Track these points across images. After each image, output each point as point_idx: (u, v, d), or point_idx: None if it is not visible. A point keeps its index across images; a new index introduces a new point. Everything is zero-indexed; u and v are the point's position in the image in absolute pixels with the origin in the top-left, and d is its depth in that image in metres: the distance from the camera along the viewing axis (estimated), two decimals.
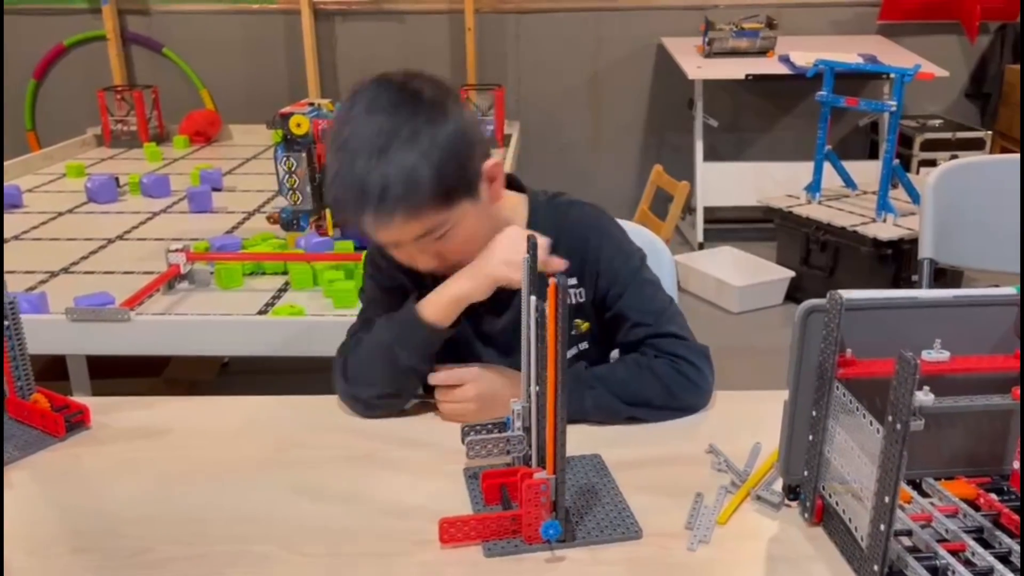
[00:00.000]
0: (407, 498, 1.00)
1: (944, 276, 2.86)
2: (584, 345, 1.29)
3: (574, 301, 1.26)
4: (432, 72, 1.17)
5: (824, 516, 0.92)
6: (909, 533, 0.86)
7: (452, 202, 1.09)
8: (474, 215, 1.13)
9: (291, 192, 1.95)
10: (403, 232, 1.10)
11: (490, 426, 1.03)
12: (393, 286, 1.25)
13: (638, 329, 1.22)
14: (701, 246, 4.00)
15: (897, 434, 0.75)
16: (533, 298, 0.88)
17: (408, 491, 1.01)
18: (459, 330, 1.20)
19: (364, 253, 1.36)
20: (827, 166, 3.55)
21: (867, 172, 3.67)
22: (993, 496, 0.92)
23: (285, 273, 1.87)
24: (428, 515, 0.93)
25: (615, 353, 1.32)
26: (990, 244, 1.80)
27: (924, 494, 0.94)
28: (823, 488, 0.91)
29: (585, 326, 1.28)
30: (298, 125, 1.90)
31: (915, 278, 2.86)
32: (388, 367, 1.16)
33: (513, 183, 1.27)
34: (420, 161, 1.05)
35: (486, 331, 1.26)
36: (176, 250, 1.81)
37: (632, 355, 1.21)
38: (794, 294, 3.49)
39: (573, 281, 1.26)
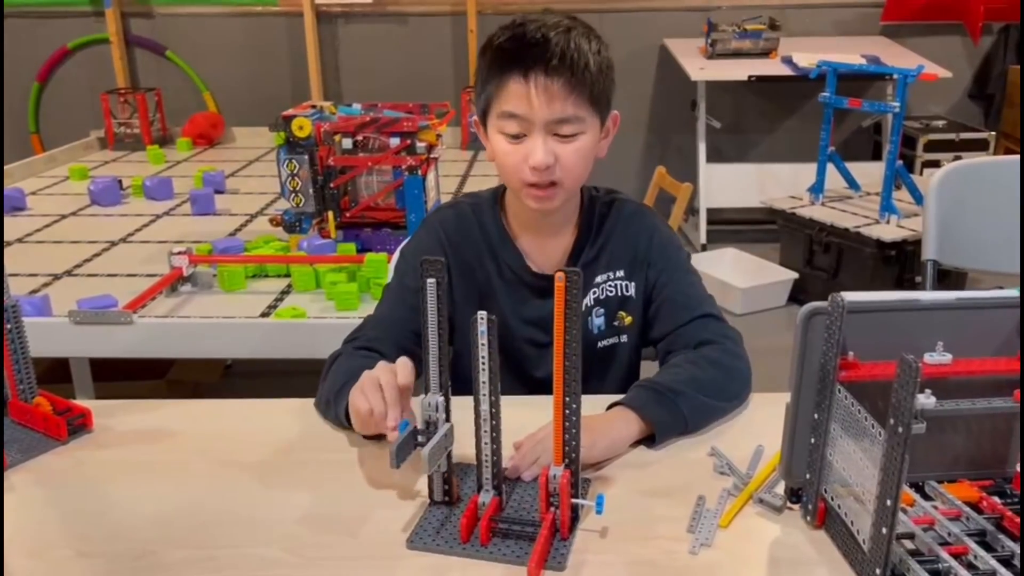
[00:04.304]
0: (409, 500, 1.00)
1: (948, 277, 2.86)
2: (624, 338, 1.34)
3: (621, 294, 1.33)
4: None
5: (826, 519, 0.92)
6: (911, 536, 0.86)
7: (598, 105, 1.20)
8: (591, 141, 1.22)
9: (294, 194, 1.96)
10: (551, 100, 1.15)
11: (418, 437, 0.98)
12: (417, 288, 1.25)
13: (682, 312, 1.28)
14: (704, 248, 4.00)
15: (899, 437, 0.75)
16: (484, 314, 0.88)
17: (413, 493, 1.01)
18: (505, 314, 1.28)
19: (397, 252, 1.41)
20: (830, 167, 3.54)
21: (870, 173, 3.66)
22: (996, 499, 0.91)
23: (288, 275, 1.87)
24: None
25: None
26: (994, 245, 1.80)
27: (926, 497, 0.94)
28: (825, 491, 0.91)
29: (628, 320, 1.33)
30: (300, 127, 1.90)
31: (919, 280, 2.85)
32: (327, 410, 1.17)
33: None
34: (596, 51, 1.18)
35: (530, 316, 1.31)
36: (179, 252, 1.81)
37: (682, 356, 1.23)
38: (797, 296, 3.49)
39: (620, 274, 1.32)
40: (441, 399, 0.95)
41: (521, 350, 1.33)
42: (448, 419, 0.96)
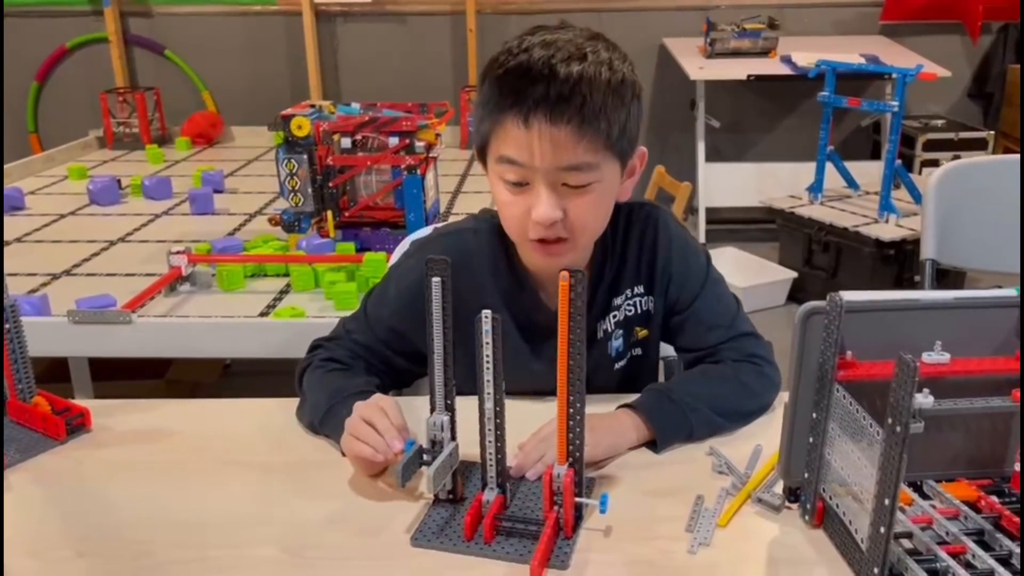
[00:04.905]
0: (410, 500, 1.00)
1: (946, 277, 2.86)
2: (638, 351, 1.26)
3: (639, 311, 1.23)
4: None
5: (825, 518, 0.92)
6: (909, 535, 0.86)
7: (616, 147, 1.05)
8: (607, 189, 1.08)
9: (292, 194, 1.96)
10: (556, 149, 1.00)
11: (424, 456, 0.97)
12: (390, 327, 1.21)
13: (715, 332, 1.20)
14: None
15: (897, 436, 0.75)
16: (489, 313, 0.88)
17: (416, 492, 1.01)
18: (515, 354, 1.17)
19: (390, 260, 1.36)
20: (829, 166, 3.54)
21: (869, 172, 3.66)
22: (994, 498, 0.91)
23: (286, 275, 1.87)
24: None
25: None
26: (992, 245, 1.80)
27: (925, 496, 0.94)
28: (823, 490, 0.91)
29: (643, 333, 1.25)
30: (299, 127, 1.90)
31: (917, 279, 2.85)
32: (312, 429, 1.15)
33: None
34: (620, 81, 1.04)
35: (549, 357, 1.17)
36: (178, 252, 1.81)
37: (713, 366, 1.18)
38: (796, 295, 3.49)
39: (640, 290, 1.22)
40: (446, 418, 0.95)
41: (534, 390, 1.17)
42: (453, 438, 0.96)
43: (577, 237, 1.09)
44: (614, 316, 1.23)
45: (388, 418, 1.00)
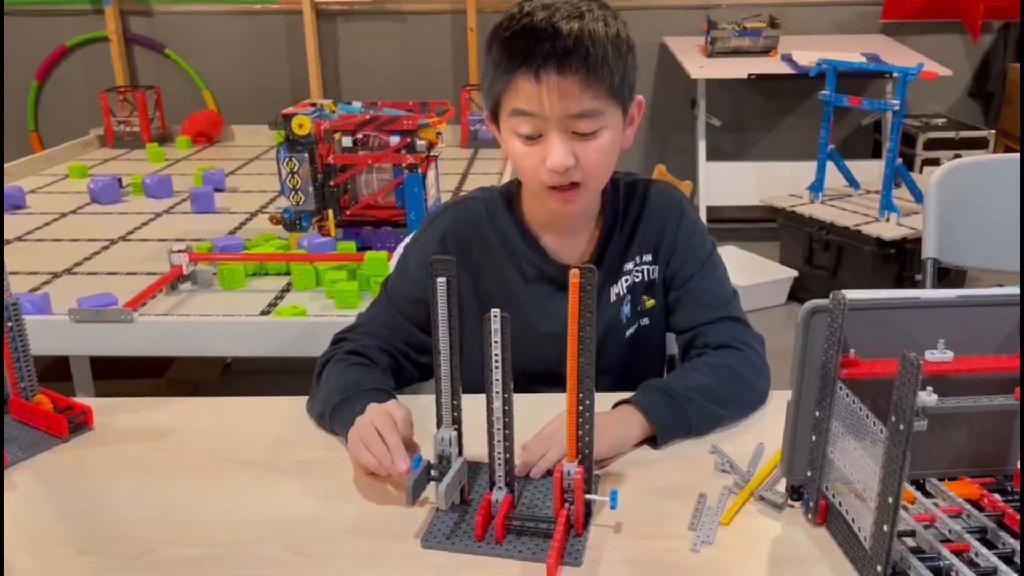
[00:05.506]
0: (422, 500, 0.99)
1: (948, 276, 2.86)
2: (645, 321, 1.30)
3: (647, 278, 1.29)
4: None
5: (827, 516, 0.92)
6: (912, 533, 0.86)
7: (618, 94, 1.13)
8: (613, 135, 1.16)
9: (293, 192, 1.96)
10: (565, 98, 1.09)
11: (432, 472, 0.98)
12: (415, 297, 1.24)
13: (706, 311, 1.24)
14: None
15: (900, 435, 0.75)
16: (498, 312, 0.88)
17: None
18: (529, 316, 1.24)
19: (397, 251, 1.38)
20: (830, 165, 3.54)
21: (870, 171, 3.66)
22: (997, 496, 0.91)
23: (287, 274, 1.87)
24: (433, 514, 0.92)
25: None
26: (994, 243, 1.80)
27: (927, 494, 0.94)
28: (826, 488, 0.91)
29: (650, 303, 1.29)
30: (300, 126, 1.90)
31: (918, 278, 2.85)
32: (321, 422, 1.16)
33: None
34: (616, 35, 1.12)
35: (559, 313, 1.19)
36: (179, 251, 1.81)
37: (702, 358, 1.20)
38: (797, 294, 3.49)
39: (648, 258, 1.28)
40: (454, 434, 0.95)
41: (549, 351, 1.17)
42: (460, 453, 0.96)
43: (588, 181, 1.16)
44: (625, 281, 1.28)
45: (399, 434, 1.00)
